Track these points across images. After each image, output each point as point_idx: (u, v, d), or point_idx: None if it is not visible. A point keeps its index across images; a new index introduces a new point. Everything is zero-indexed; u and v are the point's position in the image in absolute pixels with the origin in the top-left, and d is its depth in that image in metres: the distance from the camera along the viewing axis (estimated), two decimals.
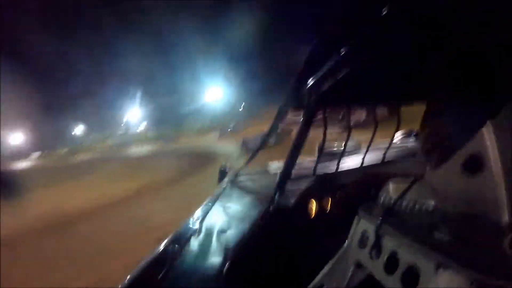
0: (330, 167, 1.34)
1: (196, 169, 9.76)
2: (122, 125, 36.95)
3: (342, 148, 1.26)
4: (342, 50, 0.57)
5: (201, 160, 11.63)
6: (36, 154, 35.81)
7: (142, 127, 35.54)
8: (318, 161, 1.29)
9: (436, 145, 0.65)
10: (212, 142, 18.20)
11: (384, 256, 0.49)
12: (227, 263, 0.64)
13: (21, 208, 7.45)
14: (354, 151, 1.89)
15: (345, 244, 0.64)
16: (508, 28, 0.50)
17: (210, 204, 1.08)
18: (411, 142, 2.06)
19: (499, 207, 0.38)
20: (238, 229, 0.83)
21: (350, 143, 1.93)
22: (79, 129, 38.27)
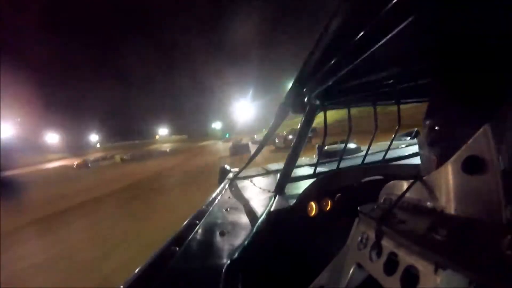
0: (330, 168, 1.34)
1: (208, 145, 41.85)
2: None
3: (342, 149, 1.26)
4: (341, 50, 0.57)
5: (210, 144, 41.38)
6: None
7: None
8: (318, 162, 1.29)
9: (436, 143, 0.65)
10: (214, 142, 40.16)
11: (383, 257, 0.49)
12: (227, 264, 0.64)
13: None
14: (354, 151, 1.89)
15: (345, 245, 0.64)
16: (508, 28, 0.50)
17: (210, 204, 1.08)
18: (411, 143, 2.06)
19: (498, 208, 0.38)
20: (238, 230, 0.83)
21: (349, 144, 1.93)
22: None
